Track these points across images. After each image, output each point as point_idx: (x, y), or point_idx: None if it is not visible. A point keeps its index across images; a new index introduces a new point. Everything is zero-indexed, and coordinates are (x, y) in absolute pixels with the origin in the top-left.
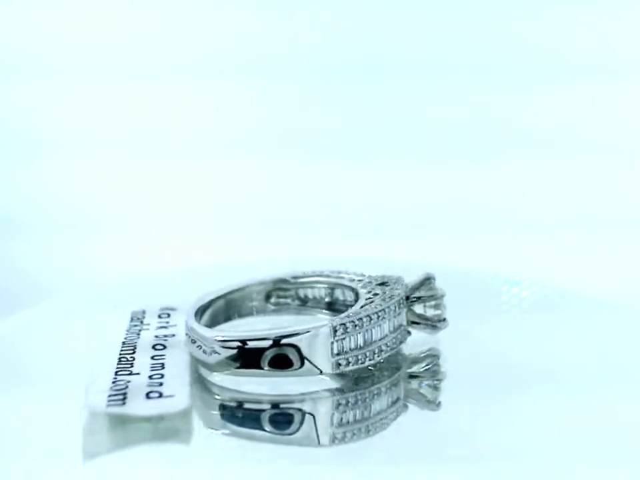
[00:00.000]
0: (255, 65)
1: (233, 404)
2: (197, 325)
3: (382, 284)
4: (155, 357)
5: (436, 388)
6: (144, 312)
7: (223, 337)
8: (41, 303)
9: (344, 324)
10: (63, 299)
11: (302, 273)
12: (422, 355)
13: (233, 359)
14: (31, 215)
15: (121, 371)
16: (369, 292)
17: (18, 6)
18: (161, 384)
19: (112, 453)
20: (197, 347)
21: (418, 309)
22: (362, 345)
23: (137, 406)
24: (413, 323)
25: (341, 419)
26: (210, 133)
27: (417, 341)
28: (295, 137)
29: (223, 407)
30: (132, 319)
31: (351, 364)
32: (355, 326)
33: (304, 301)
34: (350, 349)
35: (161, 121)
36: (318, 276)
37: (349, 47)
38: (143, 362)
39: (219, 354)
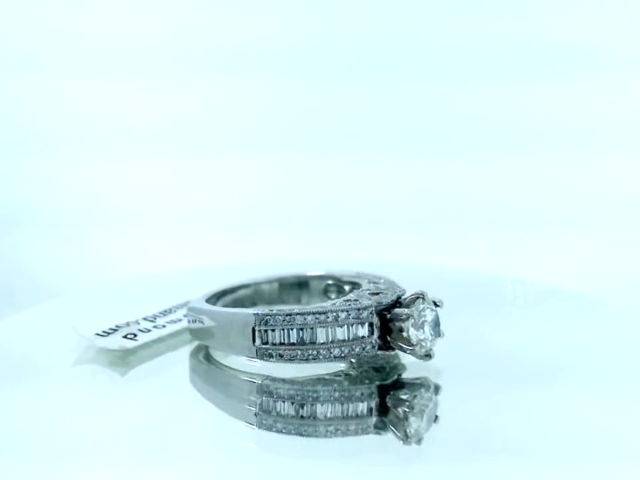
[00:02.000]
0: (254, 61)
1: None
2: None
3: (375, 293)
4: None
5: (405, 419)
6: None
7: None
8: (43, 303)
9: (271, 316)
10: (67, 297)
11: (355, 273)
12: (409, 380)
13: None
14: (34, 213)
15: (149, 317)
16: (346, 299)
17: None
18: (149, 330)
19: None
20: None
21: (396, 326)
22: (295, 342)
23: (108, 340)
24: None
25: (271, 407)
26: (217, 130)
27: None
28: (299, 135)
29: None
30: None
31: (274, 357)
32: (283, 321)
33: None
34: (277, 343)
35: (170, 119)
36: (358, 277)
37: (348, 42)
38: (172, 316)
39: (202, 323)
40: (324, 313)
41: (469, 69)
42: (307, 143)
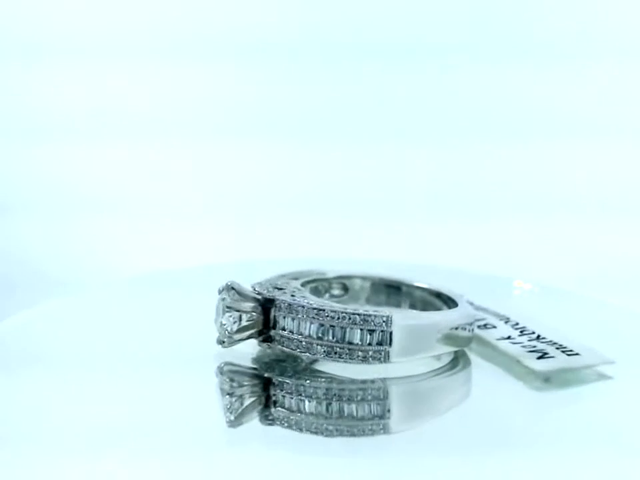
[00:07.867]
0: (255, 50)
1: None
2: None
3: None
4: None
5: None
6: None
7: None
8: (49, 299)
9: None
10: (77, 295)
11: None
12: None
13: None
14: (34, 211)
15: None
16: None
17: None
18: None
19: None
20: None
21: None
22: None
23: None
24: None
25: None
26: (224, 123)
27: None
28: (299, 130)
29: None
30: None
31: None
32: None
33: None
34: None
35: (174, 111)
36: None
37: (350, 29)
38: None
39: None
40: None
41: (467, 65)
42: (307, 138)
